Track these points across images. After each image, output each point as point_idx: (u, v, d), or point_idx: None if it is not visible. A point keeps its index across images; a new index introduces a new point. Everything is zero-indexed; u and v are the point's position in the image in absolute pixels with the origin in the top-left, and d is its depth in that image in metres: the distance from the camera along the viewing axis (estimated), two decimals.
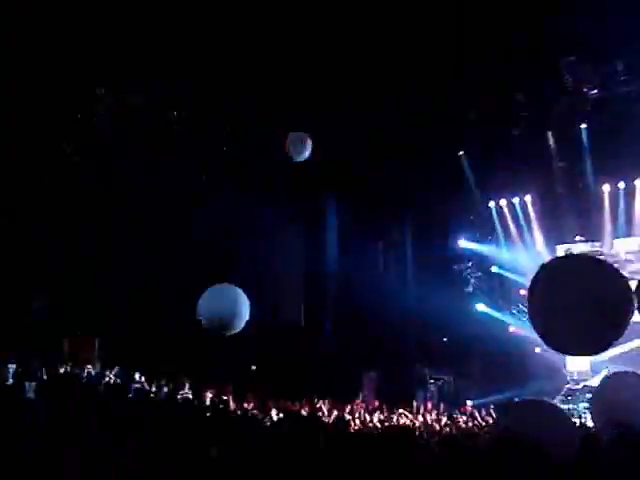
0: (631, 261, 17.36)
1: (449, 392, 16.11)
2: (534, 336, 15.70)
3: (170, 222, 13.72)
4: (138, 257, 13.55)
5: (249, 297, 7.69)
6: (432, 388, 16.20)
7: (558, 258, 7.54)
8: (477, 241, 18.34)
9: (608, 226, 17.31)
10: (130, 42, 11.56)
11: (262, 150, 14.27)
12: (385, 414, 12.31)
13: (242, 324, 8.16)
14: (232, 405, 9.74)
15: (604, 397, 7.12)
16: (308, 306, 16.74)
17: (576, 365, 17.07)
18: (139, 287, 13.70)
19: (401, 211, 16.40)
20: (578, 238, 18.15)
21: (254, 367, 14.99)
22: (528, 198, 17.93)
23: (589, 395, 16.05)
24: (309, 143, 12.19)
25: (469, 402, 15.23)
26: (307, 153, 12.34)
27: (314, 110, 13.57)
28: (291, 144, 12.27)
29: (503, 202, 18.26)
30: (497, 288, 17.97)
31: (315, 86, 13.10)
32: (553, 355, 16.86)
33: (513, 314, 18.08)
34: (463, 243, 18.35)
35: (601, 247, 17.75)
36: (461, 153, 17.07)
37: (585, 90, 14.24)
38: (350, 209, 16.55)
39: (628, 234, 17.26)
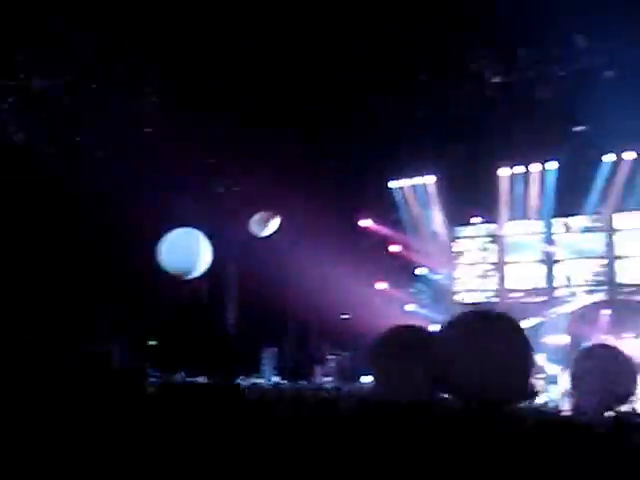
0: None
1: (347, 368, 16.29)
2: (431, 315, 16.16)
3: None
4: None
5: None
6: (330, 364, 16.38)
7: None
8: (379, 221, 18.58)
9: (504, 209, 17.87)
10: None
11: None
12: None
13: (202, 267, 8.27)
14: None
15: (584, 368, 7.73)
16: (210, 283, 16.57)
17: None
18: None
19: (305, 190, 16.36)
20: (476, 220, 18.71)
21: (153, 342, 14.79)
22: (429, 179, 18.26)
23: None
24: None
25: (363, 378, 15.50)
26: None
27: None
28: (256, 223, 12.96)
29: (405, 183, 18.52)
30: (397, 268, 18.28)
31: None
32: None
33: (410, 293, 18.53)
34: (365, 222, 18.54)
35: (498, 230, 18.37)
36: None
37: (487, 75, 14.51)
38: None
39: (523, 217, 17.89)
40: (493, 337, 6.54)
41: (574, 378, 9.18)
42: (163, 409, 5.96)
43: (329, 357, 16.50)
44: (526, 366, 6.68)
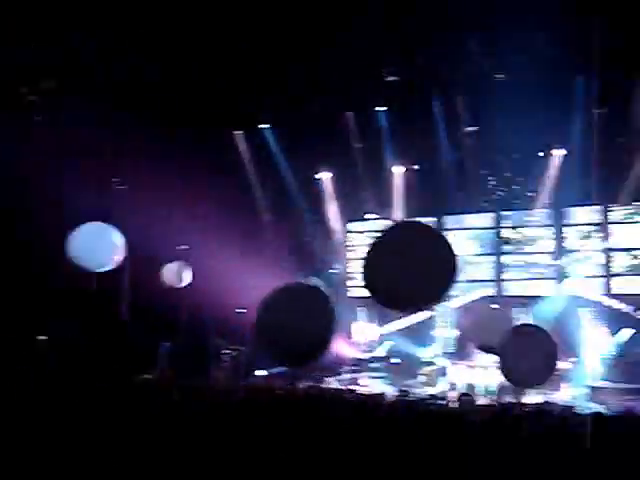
0: None
1: (242, 364, 16.25)
2: None
3: None
4: None
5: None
6: (226, 359, 16.30)
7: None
8: (278, 214, 18.65)
9: (398, 206, 18.25)
10: None
11: None
12: None
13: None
14: None
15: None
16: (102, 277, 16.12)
17: (364, 336, 17.96)
18: None
19: (208, 183, 16.24)
20: (368, 216, 19.04)
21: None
22: (326, 175, 18.46)
23: (375, 364, 17.05)
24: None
25: (259, 372, 15.53)
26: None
27: None
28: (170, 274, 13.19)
29: (305, 178, 18.66)
30: (295, 262, 18.39)
31: None
32: (341, 326, 17.64)
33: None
34: (264, 215, 18.57)
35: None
36: (266, 126, 17.24)
37: (384, 75, 14.78)
38: None
39: (417, 214, 18.28)
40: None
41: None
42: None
43: (224, 352, 16.41)
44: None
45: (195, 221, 16.33)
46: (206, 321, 15.83)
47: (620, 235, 16.54)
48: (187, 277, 14.79)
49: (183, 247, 16.04)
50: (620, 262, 16.60)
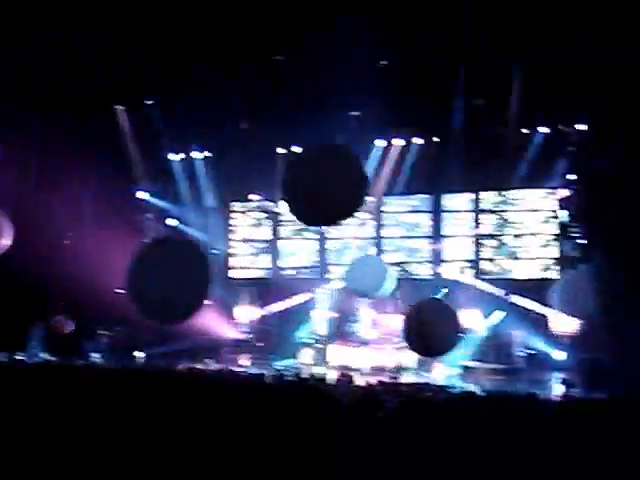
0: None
1: (119, 344, 15.91)
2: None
3: None
4: None
5: None
6: (102, 340, 15.92)
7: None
8: (157, 193, 18.23)
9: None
10: None
11: None
12: None
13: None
14: None
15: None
16: None
17: (244, 316, 17.97)
18: None
19: (81, 161, 15.67)
20: (253, 197, 18.99)
21: None
22: (207, 154, 18.20)
23: (254, 345, 17.12)
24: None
25: (137, 353, 15.28)
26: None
27: None
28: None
29: (182, 156, 18.33)
30: None
31: None
32: (222, 307, 17.59)
33: None
34: (142, 194, 18.12)
35: (275, 206, 18.78)
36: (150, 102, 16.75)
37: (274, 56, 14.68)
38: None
39: None
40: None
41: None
42: None
43: (100, 332, 16.01)
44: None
45: (73, 202, 15.81)
46: (81, 300, 15.32)
47: (489, 222, 17.35)
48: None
49: None
50: (490, 247, 17.41)
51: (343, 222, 8.77)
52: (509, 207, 17.18)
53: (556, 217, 16.64)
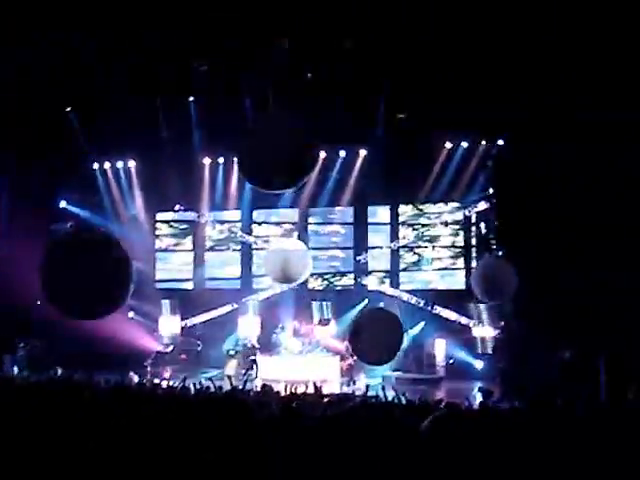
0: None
1: (39, 357, 15.50)
2: (133, 302, 15.84)
3: None
4: None
5: None
6: (21, 352, 15.48)
7: None
8: (79, 203, 17.78)
9: (206, 197, 18.20)
10: None
11: None
12: None
13: None
14: None
15: None
16: None
17: (167, 329, 17.76)
18: None
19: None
20: (177, 207, 18.83)
21: None
22: (132, 163, 17.93)
23: (178, 357, 16.94)
24: None
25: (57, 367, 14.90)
26: None
27: None
28: None
29: (107, 165, 17.98)
30: None
31: None
32: (145, 319, 17.37)
33: None
34: (64, 204, 17.64)
35: (199, 217, 18.67)
36: (69, 109, 16.35)
37: (195, 64, 14.62)
38: None
39: (224, 207, 18.38)
40: None
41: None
42: None
43: (20, 345, 15.57)
44: None
45: None
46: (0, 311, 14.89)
47: (407, 233, 17.83)
48: None
49: None
50: (408, 259, 17.85)
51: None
52: (424, 220, 17.75)
53: (470, 229, 17.23)
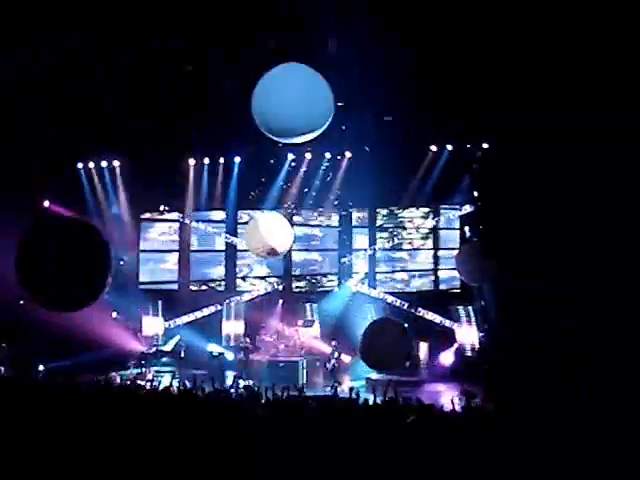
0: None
1: (18, 357, 15.39)
2: (115, 300, 15.76)
3: None
4: None
5: None
6: (2, 352, 15.37)
7: None
8: (64, 203, 17.64)
9: (191, 198, 18.16)
10: None
11: None
12: None
13: None
14: None
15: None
16: None
17: (151, 329, 17.67)
18: None
19: None
20: (162, 208, 18.79)
21: None
22: (116, 163, 17.84)
23: (161, 359, 16.88)
24: None
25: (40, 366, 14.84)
26: None
27: None
28: None
29: (91, 164, 17.89)
30: None
31: None
32: (128, 321, 17.28)
33: None
34: (47, 203, 17.50)
35: (183, 218, 18.63)
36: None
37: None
38: None
39: (210, 207, 18.37)
40: None
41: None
42: None
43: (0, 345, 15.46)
44: None
45: None
46: None
47: (386, 236, 18.12)
48: None
49: None
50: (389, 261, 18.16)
51: None
52: (398, 223, 18.04)
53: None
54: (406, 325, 13.37)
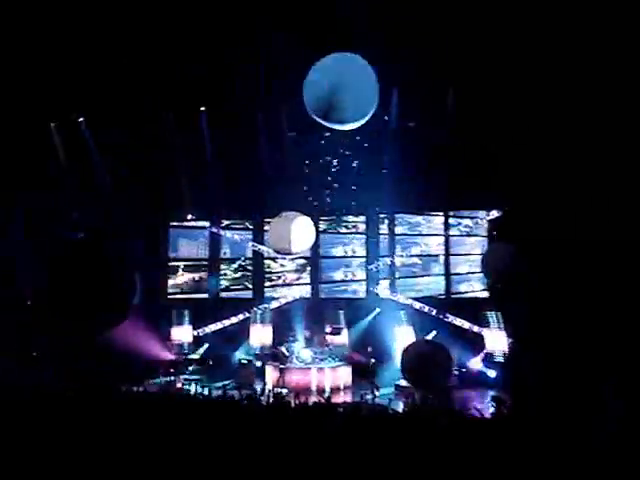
0: None
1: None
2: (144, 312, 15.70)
3: None
4: None
5: None
6: None
7: None
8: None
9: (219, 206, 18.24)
10: None
11: None
12: None
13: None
14: None
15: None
16: None
17: (179, 338, 17.77)
18: None
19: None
20: (190, 216, 18.92)
21: None
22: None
23: (191, 367, 16.97)
24: None
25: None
26: None
27: None
28: None
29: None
30: None
31: None
32: (158, 328, 17.41)
33: None
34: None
35: (212, 226, 18.73)
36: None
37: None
38: None
39: (237, 216, 18.45)
40: None
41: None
42: None
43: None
44: None
45: None
46: None
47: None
48: None
49: None
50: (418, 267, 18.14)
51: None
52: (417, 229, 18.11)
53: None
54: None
